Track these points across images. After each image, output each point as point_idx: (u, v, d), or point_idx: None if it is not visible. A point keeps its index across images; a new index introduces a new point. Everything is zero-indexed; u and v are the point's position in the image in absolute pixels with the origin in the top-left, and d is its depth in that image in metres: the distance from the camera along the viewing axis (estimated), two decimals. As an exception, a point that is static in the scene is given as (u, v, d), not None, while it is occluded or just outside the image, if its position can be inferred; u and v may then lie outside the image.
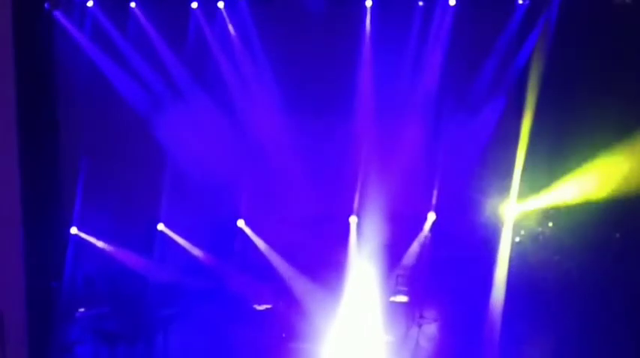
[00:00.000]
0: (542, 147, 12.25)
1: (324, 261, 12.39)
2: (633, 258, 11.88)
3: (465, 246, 12.61)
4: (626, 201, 11.79)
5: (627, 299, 11.65)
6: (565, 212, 12.37)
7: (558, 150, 12.28)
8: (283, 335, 11.63)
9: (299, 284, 12.25)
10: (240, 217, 12.87)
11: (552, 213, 12.57)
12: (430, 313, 12.23)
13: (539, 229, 12.58)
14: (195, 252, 12.69)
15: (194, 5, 12.02)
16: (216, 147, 12.41)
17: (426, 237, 12.85)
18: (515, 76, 12.45)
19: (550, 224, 12.58)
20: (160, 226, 12.70)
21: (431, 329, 11.97)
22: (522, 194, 12.44)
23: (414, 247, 12.79)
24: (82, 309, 11.93)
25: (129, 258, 12.35)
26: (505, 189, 12.40)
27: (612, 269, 11.88)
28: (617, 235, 12.03)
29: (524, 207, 12.52)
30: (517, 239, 12.56)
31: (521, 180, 12.32)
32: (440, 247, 12.76)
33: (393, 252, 12.54)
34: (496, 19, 12.36)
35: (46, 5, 11.66)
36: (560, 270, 12.20)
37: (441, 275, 12.46)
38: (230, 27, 12.28)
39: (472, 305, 12.07)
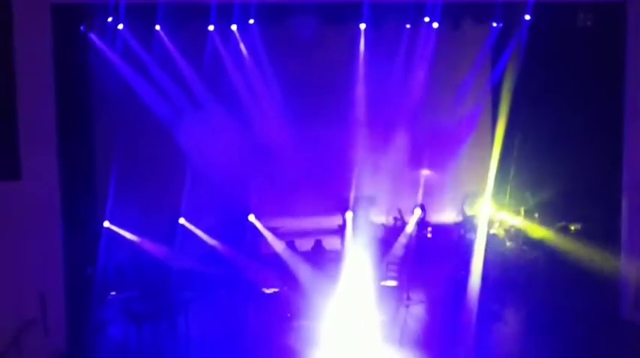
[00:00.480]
0: (512, 150, 12.65)
1: (324, 250, 12.87)
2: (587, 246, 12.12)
3: (447, 237, 13.11)
4: (581, 198, 12.42)
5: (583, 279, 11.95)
6: (532, 207, 12.94)
7: (527, 153, 12.80)
8: (288, 314, 11.77)
9: (301, 270, 12.38)
10: (251, 212, 13.16)
11: (522, 209, 13.05)
12: (416, 296, 12.34)
13: (510, 223, 13.05)
14: (212, 242, 12.92)
15: (211, 28, 12.14)
16: (230, 151, 12.69)
17: (412, 230, 13.13)
18: (490, 89, 12.99)
19: (519, 218, 13.03)
20: (181, 220, 12.95)
21: (417, 309, 12.11)
22: (496, 192, 12.71)
23: (402, 238, 13.06)
24: (113, 293, 12.30)
25: (154, 248, 12.52)
26: (481, 187, 12.64)
27: (570, 255, 12.16)
28: (573, 228, 12.50)
29: (497, 204, 12.98)
30: (492, 231, 12.85)
31: (495, 179, 12.42)
32: (424, 238, 13.15)
33: (384, 242, 12.88)
34: (474, 40, 12.86)
35: (82, 28, 11.79)
36: (528, 257, 12.56)
37: (425, 262, 12.71)
38: (242, 46, 12.57)
39: (453, 288, 12.03)
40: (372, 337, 11.21)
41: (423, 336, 11.33)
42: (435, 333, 11.46)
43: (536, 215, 12.90)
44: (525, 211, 13.05)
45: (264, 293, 12.27)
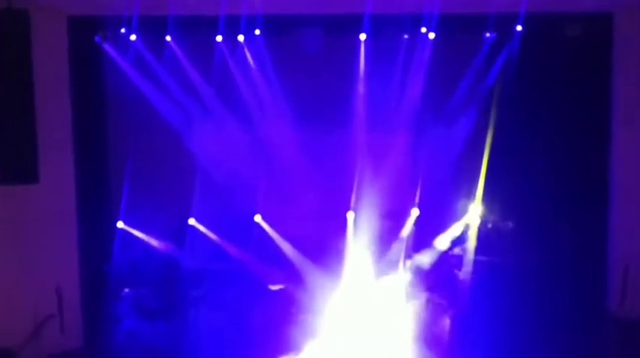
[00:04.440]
0: (504, 154, 12.53)
1: (327, 249, 12.64)
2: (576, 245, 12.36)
3: (443, 237, 12.82)
4: (569, 200, 12.45)
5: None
6: (522, 209, 12.81)
7: (518, 157, 12.65)
8: (293, 310, 11.85)
9: (306, 268, 12.53)
10: (257, 213, 12.98)
11: (512, 210, 12.90)
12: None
13: (502, 223, 12.88)
14: (220, 242, 12.78)
15: (219, 38, 12.00)
16: (237, 155, 12.62)
17: (410, 230, 13.02)
18: (483, 96, 12.67)
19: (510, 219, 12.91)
20: (191, 221, 12.80)
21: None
22: (487, 193, 12.68)
23: (401, 238, 12.97)
24: (127, 289, 12.12)
25: (165, 247, 12.55)
26: (475, 189, 12.67)
27: (560, 253, 12.32)
28: (564, 228, 12.45)
29: (489, 205, 12.80)
30: (484, 231, 12.78)
31: (486, 181, 12.53)
32: (421, 238, 12.96)
33: (383, 241, 12.76)
34: (468, 49, 12.61)
35: (97, 38, 11.72)
36: (518, 257, 12.49)
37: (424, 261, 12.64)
38: (249, 56, 12.40)
39: (448, 285, 12.30)
40: (373, 332, 11.27)
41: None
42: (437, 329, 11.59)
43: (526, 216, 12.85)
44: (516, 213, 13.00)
45: (270, 289, 12.27)
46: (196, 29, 11.88)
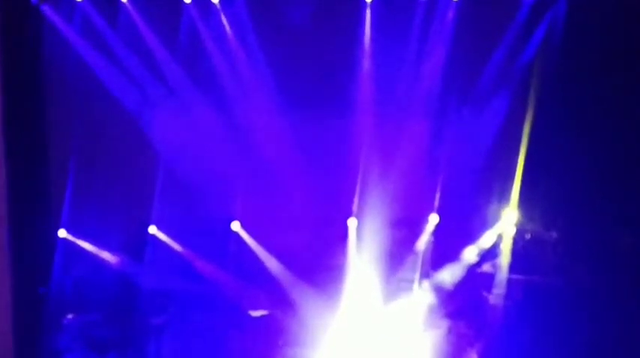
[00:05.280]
0: (546, 147, 11.85)
1: (322, 265, 12.17)
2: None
3: (468, 250, 12.27)
4: (629, 205, 11.52)
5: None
6: (570, 215, 12.06)
7: (564, 151, 11.83)
8: (280, 342, 11.54)
9: (296, 289, 12.01)
10: (235, 219, 12.47)
11: (557, 216, 12.19)
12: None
13: (545, 233, 12.22)
14: (188, 255, 12.32)
15: (187, 0, 11.61)
16: (211, 146, 12.13)
17: (428, 241, 12.51)
18: (520, 74, 11.97)
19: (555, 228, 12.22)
20: (152, 229, 12.31)
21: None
22: (525, 196, 12.06)
23: (416, 251, 12.48)
24: (70, 316, 11.69)
25: (119, 263, 12.10)
26: (509, 190, 12.02)
27: (621, 270, 11.54)
28: (625, 239, 11.64)
29: (528, 210, 12.17)
30: (521, 243, 12.18)
31: (523, 182, 11.94)
32: (442, 251, 12.46)
33: (395, 255, 12.26)
34: (501, 14, 11.88)
35: None
36: (571, 275, 11.86)
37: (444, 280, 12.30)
38: (225, 21, 11.82)
39: (476, 311, 11.83)
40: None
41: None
42: None
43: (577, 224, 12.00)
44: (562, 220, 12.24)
45: (251, 316, 11.91)
46: (159, -14, 11.57)
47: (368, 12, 11.66)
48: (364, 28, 11.76)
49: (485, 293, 11.86)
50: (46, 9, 11.32)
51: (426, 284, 12.15)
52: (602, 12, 11.20)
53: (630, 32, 11.27)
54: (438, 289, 12.07)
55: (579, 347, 10.91)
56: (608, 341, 10.96)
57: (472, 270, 12.11)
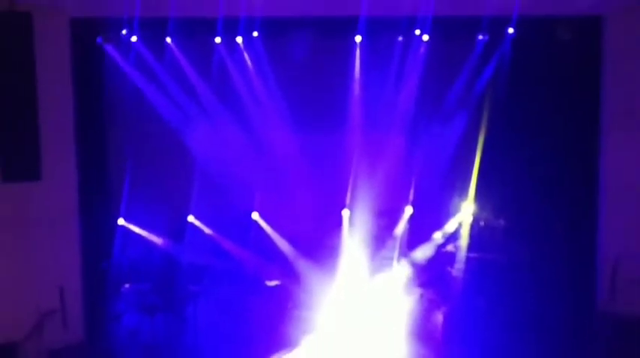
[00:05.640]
0: (496, 154, 12.53)
1: (322, 246, 12.71)
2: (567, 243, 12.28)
3: (436, 235, 12.92)
4: (560, 200, 12.28)
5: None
6: (514, 208, 12.76)
7: (510, 157, 12.63)
8: (289, 305, 11.85)
9: (302, 265, 12.50)
10: (255, 210, 13.06)
11: (504, 208, 12.86)
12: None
13: (494, 221, 12.83)
14: (218, 239, 12.82)
15: (218, 40, 11.91)
16: (236, 154, 12.66)
17: (404, 228, 13.04)
18: (476, 97, 12.67)
19: (502, 217, 12.84)
20: (190, 218, 12.81)
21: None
22: (480, 192, 12.71)
23: (395, 235, 13.00)
24: (126, 285, 12.14)
25: (164, 244, 12.55)
26: (467, 187, 12.70)
27: (551, 251, 12.26)
28: (555, 227, 12.33)
29: (482, 203, 12.81)
30: (477, 229, 12.78)
31: (478, 180, 12.56)
32: (415, 235, 13.00)
33: (378, 238, 12.79)
34: (461, 51, 12.54)
35: (98, 40, 11.64)
36: (513, 253, 12.44)
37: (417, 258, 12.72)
38: (247, 57, 12.35)
39: (441, 282, 12.31)
40: (368, 327, 11.21)
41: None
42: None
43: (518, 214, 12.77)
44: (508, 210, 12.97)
45: (267, 285, 12.26)
46: (195, 31, 11.76)
47: (358, 50, 12.30)
48: (355, 63, 12.44)
49: (449, 268, 12.40)
50: (109, 47, 11.85)
51: (403, 260, 12.66)
52: (536, 52, 12.12)
53: (555, 67, 12.09)
54: (413, 264, 12.62)
55: (517, 303, 11.57)
56: (537, 301, 11.69)
57: (439, 250, 12.74)
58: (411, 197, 13.09)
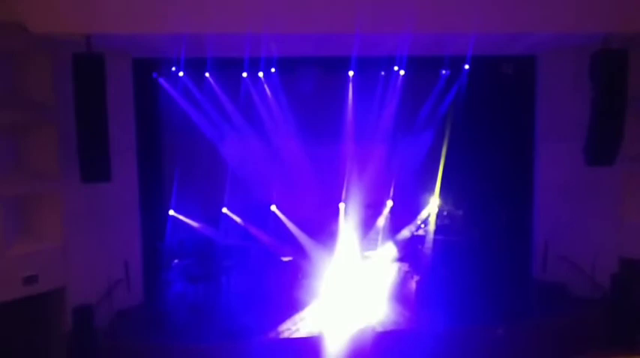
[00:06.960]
0: (456, 161, 12.56)
1: (325, 230, 12.70)
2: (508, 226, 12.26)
3: (410, 222, 13.03)
4: (504, 193, 12.36)
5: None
6: (469, 201, 12.89)
7: (466, 163, 12.68)
8: (299, 276, 11.79)
9: (309, 244, 12.48)
10: (273, 203, 13.02)
11: (462, 201, 12.98)
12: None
13: (454, 211, 12.95)
14: (245, 225, 12.79)
15: (244, 75, 11.98)
16: (257, 160, 12.64)
17: (386, 217, 13.21)
18: (440, 118, 12.67)
19: (460, 208, 12.98)
20: (224, 209, 12.78)
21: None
22: (443, 190, 12.75)
23: (379, 223, 13.17)
24: (176, 261, 12.19)
25: (205, 229, 12.52)
26: (434, 186, 12.72)
27: (497, 232, 12.33)
28: (500, 214, 12.37)
29: (445, 198, 12.92)
30: (441, 217, 12.85)
31: (442, 182, 12.59)
32: (395, 222, 13.12)
33: (366, 225, 12.92)
34: (428, 83, 12.63)
35: (154, 75, 11.66)
36: (468, 236, 12.57)
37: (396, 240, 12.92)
38: (266, 88, 12.34)
39: (415, 257, 12.32)
40: (359, 292, 11.13)
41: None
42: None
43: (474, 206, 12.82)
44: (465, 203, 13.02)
45: (282, 260, 12.16)
46: (228, 68, 11.78)
47: (350, 83, 12.38)
48: (348, 92, 12.47)
49: (420, 247, 12.50)
50: (162, 80, 11.85)
51: (385, 242, 12.87)
52: (486, 83, 12.24)
53: (501, 94, 12.25)
54: (393, 244, 12.81)
55: (472, 274, 11.53)
56: (486, 271, 11.67)
57: (413, 234, 12.86)
58: (391, 193, 13.20)
